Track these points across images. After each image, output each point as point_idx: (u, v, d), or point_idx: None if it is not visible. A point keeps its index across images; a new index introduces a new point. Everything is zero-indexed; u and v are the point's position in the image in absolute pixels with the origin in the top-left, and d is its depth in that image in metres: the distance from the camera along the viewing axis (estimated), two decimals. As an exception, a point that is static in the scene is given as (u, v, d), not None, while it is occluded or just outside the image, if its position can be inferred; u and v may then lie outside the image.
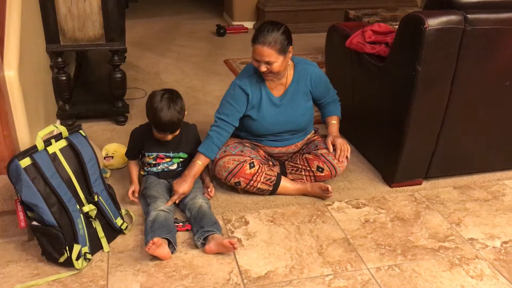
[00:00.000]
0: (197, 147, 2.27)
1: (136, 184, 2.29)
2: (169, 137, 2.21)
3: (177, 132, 2.24)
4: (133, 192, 2.25)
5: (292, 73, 2.33)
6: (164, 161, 2.29)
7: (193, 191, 2.23)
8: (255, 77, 2.30)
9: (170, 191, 2.27)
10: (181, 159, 2.31)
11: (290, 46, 2.18)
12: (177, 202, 2.20)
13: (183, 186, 2.18)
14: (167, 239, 1.95)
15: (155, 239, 1.87)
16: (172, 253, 1.96)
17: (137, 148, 2.31)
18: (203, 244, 1.99)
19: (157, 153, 2.27)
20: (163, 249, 1.92)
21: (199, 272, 1.89)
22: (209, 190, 2.32)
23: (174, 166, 2.30)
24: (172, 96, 2.17)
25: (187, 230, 2.10)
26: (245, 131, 2.42)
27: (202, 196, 2.24)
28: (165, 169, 2.30)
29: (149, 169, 2.32)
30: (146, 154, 2.28)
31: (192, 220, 2.10)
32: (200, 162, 2.24)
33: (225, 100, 2.32)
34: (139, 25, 5.80)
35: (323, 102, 2.46)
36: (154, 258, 1.94)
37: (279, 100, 2.33)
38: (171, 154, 2.28)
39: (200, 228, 2.02)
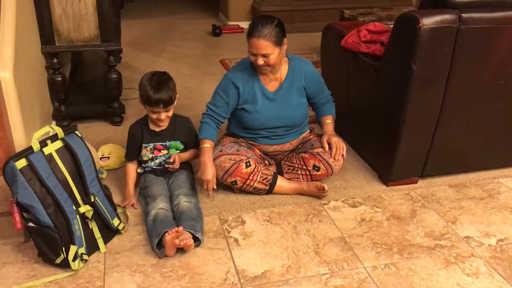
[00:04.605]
0: (193, 138, 2.35)
1: (132, 196, 2.29)
2: (163, 115, 2.22)
3: (171, 113, 2.26)
4: (131, 204, 2.26)
5: (287, 68, 2.35)
6: (161, 153, 2.29)
7: (176, 189, 2.21)
8: (249, 71, 2.33)
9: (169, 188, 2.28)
10: (177, 151, 2.33)
11: (285, 38, 2.22)
12: (214, 187, 2.22)
13: (205, 174, 2.21)
14: None
15: (175, 229, 1.88)
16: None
17: (137, 144, 2.30)
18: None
19: (154, 143, 2.29)
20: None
21: (196, 272, 1.89)
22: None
23: (171, 159, 2.29)
24: (162, 72, 2.28)
25: None
26: (240, 127, 2.43)
27: (185, 192, 2.19)
28: (162, 162, 2.31)
29: (146, 165, 2.32)
30: (143, 145, 2.30)
31: (176, 221, 2.08)
32: (208, 145, 2.28)
33: (216, 91, 2.40)
34: (134, 26, 5.79)
35: (318, 102, 2.47)
36: (151, 258, 1.94)
37: (273, 95, 2.35)
38: (167, 143, 2.30)
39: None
